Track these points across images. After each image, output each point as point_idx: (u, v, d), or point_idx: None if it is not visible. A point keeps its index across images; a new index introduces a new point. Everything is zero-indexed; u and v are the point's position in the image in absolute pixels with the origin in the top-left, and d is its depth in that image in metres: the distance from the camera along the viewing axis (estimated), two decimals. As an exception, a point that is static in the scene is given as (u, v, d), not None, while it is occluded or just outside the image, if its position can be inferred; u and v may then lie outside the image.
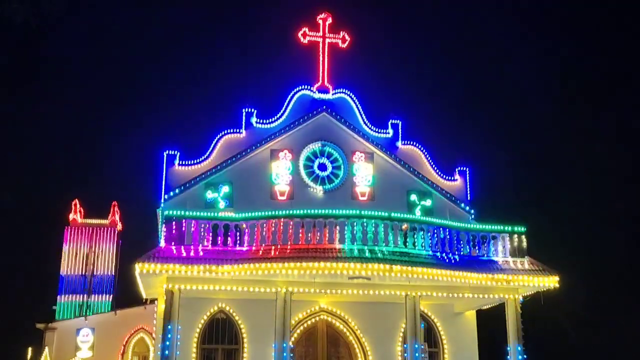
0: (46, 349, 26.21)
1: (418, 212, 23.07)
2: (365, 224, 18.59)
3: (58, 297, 32.85)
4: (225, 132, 23.29)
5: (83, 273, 33.37)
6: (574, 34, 56.67)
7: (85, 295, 32.99)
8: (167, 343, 17.66)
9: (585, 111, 49.96)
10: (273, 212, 18.94)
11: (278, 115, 23.76)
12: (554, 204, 42.96)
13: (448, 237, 19.36)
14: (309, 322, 22.02)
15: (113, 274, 33.75)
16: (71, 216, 34.35)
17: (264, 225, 18.53)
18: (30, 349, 27.93)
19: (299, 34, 24.73)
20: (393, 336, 22.19)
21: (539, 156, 49.78)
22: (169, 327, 17.78)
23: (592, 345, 35.98)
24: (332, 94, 24.29)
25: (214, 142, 23.08)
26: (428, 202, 23.73)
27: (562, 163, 48.04)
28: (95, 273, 33.49)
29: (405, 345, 19.81)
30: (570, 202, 42.93)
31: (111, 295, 33.48)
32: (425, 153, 24.54)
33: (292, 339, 20.55)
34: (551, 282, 19.39)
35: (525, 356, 19.32)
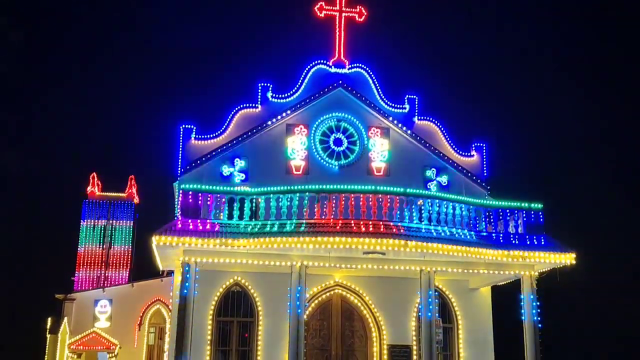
0: (65, 319, 26.65)
1: (434, 187, 23.02)
2: (380, 200, 18.57)
3: (76, 267, 33.36)
4: (241, 106, 23.26)
5: (100, 244, 33.80)
6: (596, 11, 55.66)
7: (103, 265, 33.45)
8: (184, 315, 17.86)
9: (605, 87, 49.29)
10: (288, 187, 18.98)
11: (294, 90, 23.66)
12: (571, 181, 42.65)
13: (464, 213, 19.29)
14: (324, 296, 22.15)
15: (130, 246, 34.15)
16: (89, 189, 34.70)
17: (280, 199, 18.58)
18: (49, 319, 28.44)
19: (316, 8, 24.49)
20: (407, 311, 22.27)
21: (557, 132, 49.32)
22: (185, 299, 17.98)
23: (607, 323, 35.93)
24: (348, 69, 24.12)
25: (229, 116, 23.07)
26: (444, 178, 23.63)
27: (580, 140, 47.55)
28: (112, 245, 33.91)
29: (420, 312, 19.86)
30: (587, 178, 42.58)
31: (128, 267, 33.93)
32: (442, 129, 24.37)
33: (307, 312, 20.71)
34: (567, 258, 19.31)
35: (540, 332, 19.33)
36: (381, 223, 18.26)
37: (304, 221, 18.26)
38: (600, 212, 40.14)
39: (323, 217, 18.37)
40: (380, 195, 18.60)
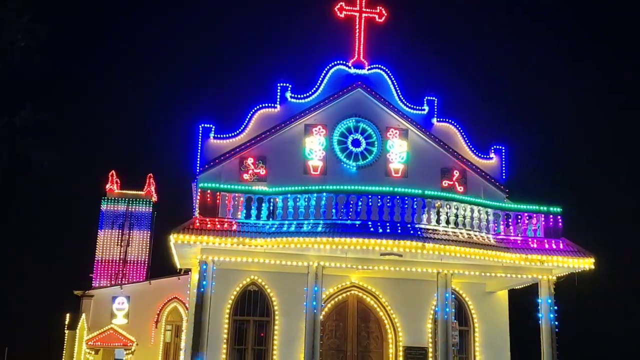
0: (83, 315, 26.94)
1: (452, 189, 22.91)
2: (398, 201, 18.52)
3: (95, 263, 33.68)
4: (260, 106, 23.32)
5: (119, 242, 34.08)
6: (616, 12, 55.06)
7: (121, 263, 33.72)
8: (201, 313, 17.95)
9: (630, 88, 48.77)
10: (306, 187, 18.99)
11: (313, 90, 23.67)
12: (591, 185, 42.21)
13: (482, 215, 19.17)
14: (340, 297, 22.13)
15: (148, 243, 34.41)
16: (108, 187, 35.02)
17: (297, 199, 18.60)
18: (68, 315, 28.76)
19: (336, 8, 24.49)
20: (424, 313, 22.20)
21: (577, 135, 48.87)
22: (202, 297, 18.07)
23: (626, 329, 35.52)
24: (368, 70, 24.08)
25: (248, 116, 23.14)
26: (462, 180, 23.51)
27: (601, 143, 47.07)
28: (130, 242, 34.17)
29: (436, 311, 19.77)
30: (608, 182, 42.14)
31: (146, 264, 34.19)
32: (461, 130, 24.25)
33: (323, 313, 20.71)
34: (586, 263, 19.11)
35: (557, 337, 19.16)
36: (398, 224, 18.21)
37: (321, 221, 18.26)
38: (622, 216, 39.70)
39: (340, 217, 18.35)
40: (398, 197, 18.55)
